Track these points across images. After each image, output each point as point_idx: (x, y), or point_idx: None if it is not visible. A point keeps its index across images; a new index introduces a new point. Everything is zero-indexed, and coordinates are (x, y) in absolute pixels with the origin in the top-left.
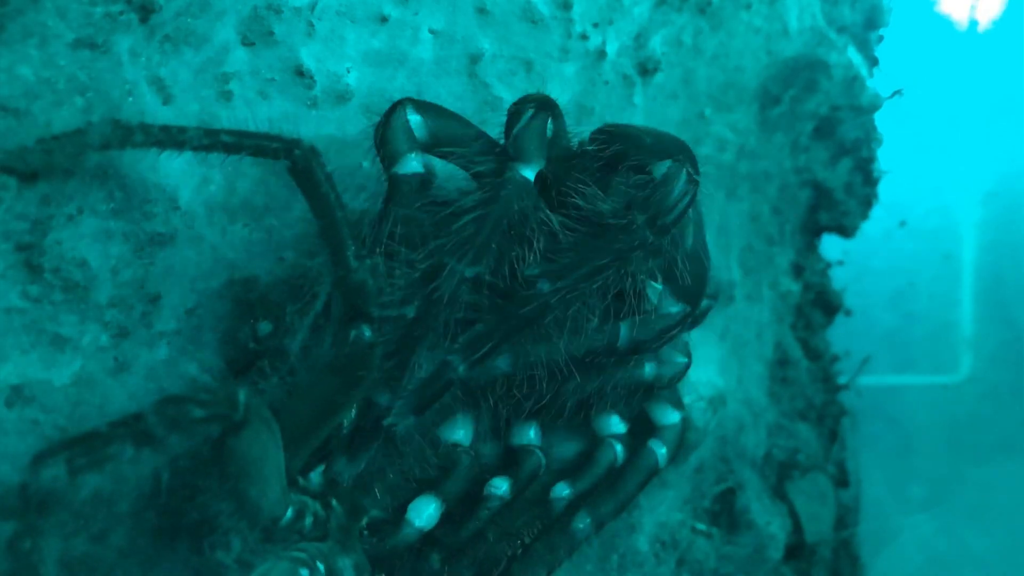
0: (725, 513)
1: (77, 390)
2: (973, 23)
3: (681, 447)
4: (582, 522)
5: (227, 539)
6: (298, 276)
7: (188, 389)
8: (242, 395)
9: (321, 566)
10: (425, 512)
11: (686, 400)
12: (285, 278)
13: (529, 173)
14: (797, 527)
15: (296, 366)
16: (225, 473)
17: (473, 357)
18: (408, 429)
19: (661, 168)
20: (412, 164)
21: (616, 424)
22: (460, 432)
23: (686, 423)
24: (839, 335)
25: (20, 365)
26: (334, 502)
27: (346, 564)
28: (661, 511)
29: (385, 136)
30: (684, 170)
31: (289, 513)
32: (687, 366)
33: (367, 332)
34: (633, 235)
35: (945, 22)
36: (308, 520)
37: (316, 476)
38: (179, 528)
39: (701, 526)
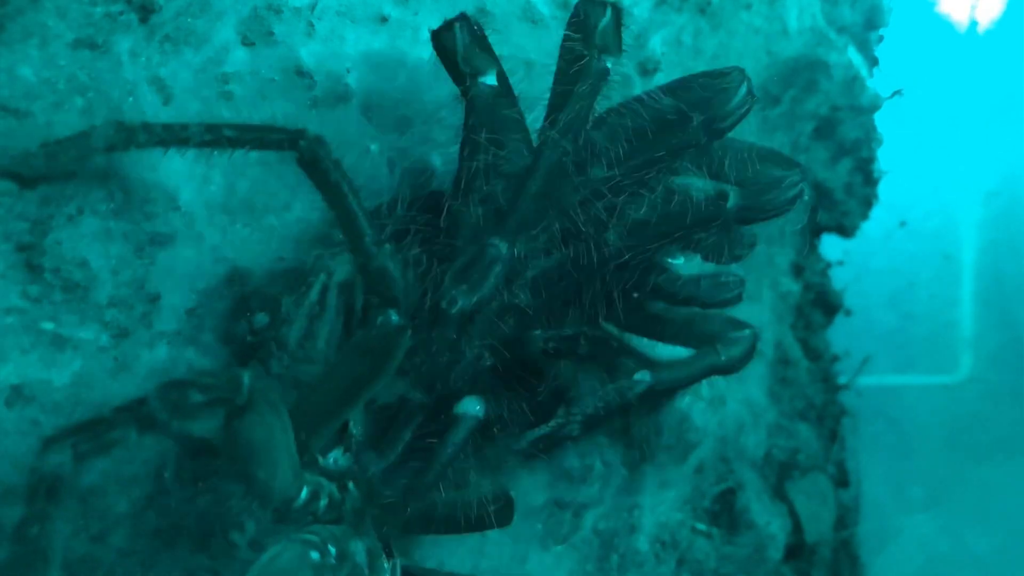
0: (725, 513)
1: (77, 390)
2: (973, 23)
3: (750, 358)
4: (641, 375)
5: (240, 521)
6: (293, 267)
7: (192, 373)
8: (246, 378)
9: (332, 549)
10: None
11: (685, 400)
12: (281, 271)
13: (610, 64)
14: (797, 527)
15: (296, 356)
16: (233, 456)
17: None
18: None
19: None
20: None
21: None
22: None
23: (756, 337)
24: (839, 335)
25: (20, 365)
26: (351, 485)
27: (358, 548)
28: (661, 511)
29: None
30: (745, 80)
31: (304, 493)
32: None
33: (394, 316)
34: (688, 134)
35: (945, 22)
36: (323, 502)
37: (335, 457)
38: (180, 527)
39: (701, 526)
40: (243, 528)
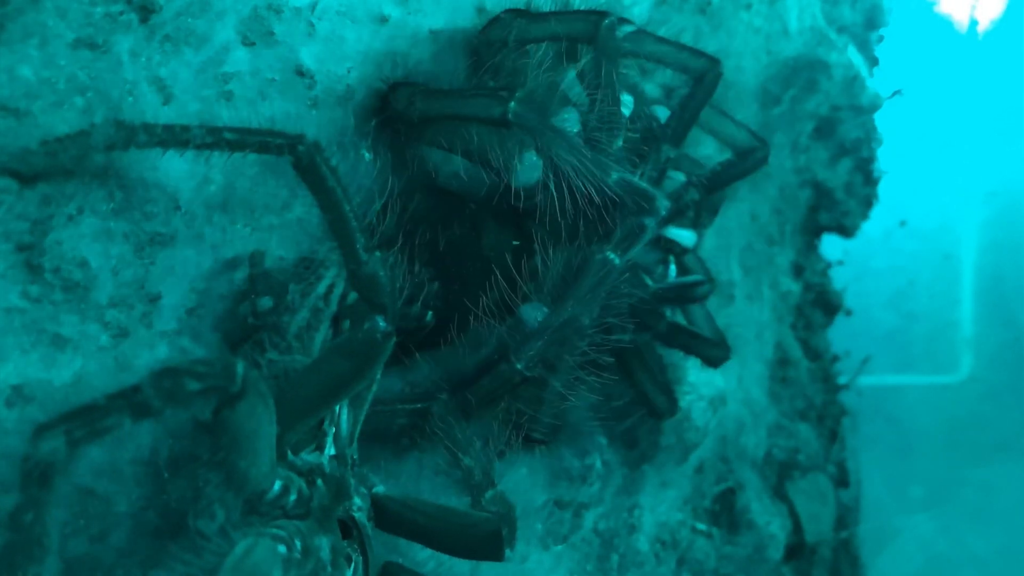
0: (725, 513)
1: (77, 390)
2: (973, 23)
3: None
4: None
5: (211, 509)
6: (305, 257)
7: (186, 361)
8: (240, 367)
9: (299, 544)
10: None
11: (686, 400)
12: (292, 259)
13: None
14: (797, 527)
15: (292, 345)
16: (217, 444)
17: None
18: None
19: None
20: None
21: None
22: None
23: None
24: (839, 335)
25: (20, 365)
26: (319, 482)
27: (323, 543)
28: (661, 511)
29: None
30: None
31: (276, 487)
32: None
33: (381, 322)
34: None
35: (945, 22)
36: (292, 497)
37: (307, 454)
38: (179, 526)
39: (701, 526)
40: (213, 517)
